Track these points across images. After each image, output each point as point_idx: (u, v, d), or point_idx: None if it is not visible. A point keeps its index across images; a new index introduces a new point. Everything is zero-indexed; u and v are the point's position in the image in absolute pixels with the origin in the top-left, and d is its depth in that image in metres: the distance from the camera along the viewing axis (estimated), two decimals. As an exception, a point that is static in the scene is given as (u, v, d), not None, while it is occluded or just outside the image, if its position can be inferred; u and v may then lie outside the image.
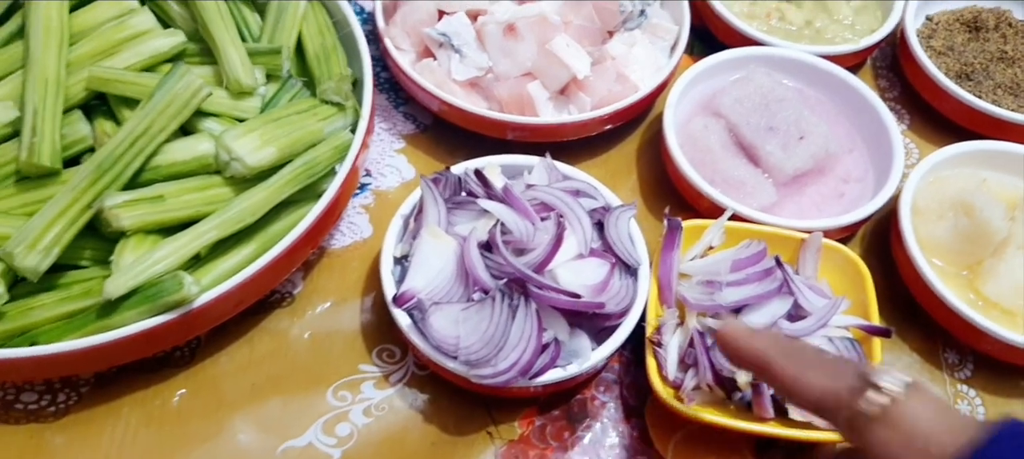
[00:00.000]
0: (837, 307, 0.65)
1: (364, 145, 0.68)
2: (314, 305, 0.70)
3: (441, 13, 0.78)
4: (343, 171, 0.66)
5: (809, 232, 0.70)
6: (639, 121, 0.83)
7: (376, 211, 0.76)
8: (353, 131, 0.69)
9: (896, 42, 0.91)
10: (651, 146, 0.82)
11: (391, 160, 0.80)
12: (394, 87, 0.84)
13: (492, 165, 0.70)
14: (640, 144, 0.83)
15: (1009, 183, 0.77)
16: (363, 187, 0.77)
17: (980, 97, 0.84)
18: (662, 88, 0.79)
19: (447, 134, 0.80)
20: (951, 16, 0.92)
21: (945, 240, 0.72)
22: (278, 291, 0.70)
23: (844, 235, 0.75)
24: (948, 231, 0.72)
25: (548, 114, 0.77)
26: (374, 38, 0.80)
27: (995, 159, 0.77)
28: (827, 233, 0.71)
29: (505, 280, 0.62)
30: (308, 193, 0.68)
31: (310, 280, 0.71)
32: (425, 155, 0.80)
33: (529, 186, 0.68)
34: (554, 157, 0.71)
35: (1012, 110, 0.83)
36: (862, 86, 0.80)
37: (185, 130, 0.66)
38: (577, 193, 0.70)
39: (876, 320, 0.66)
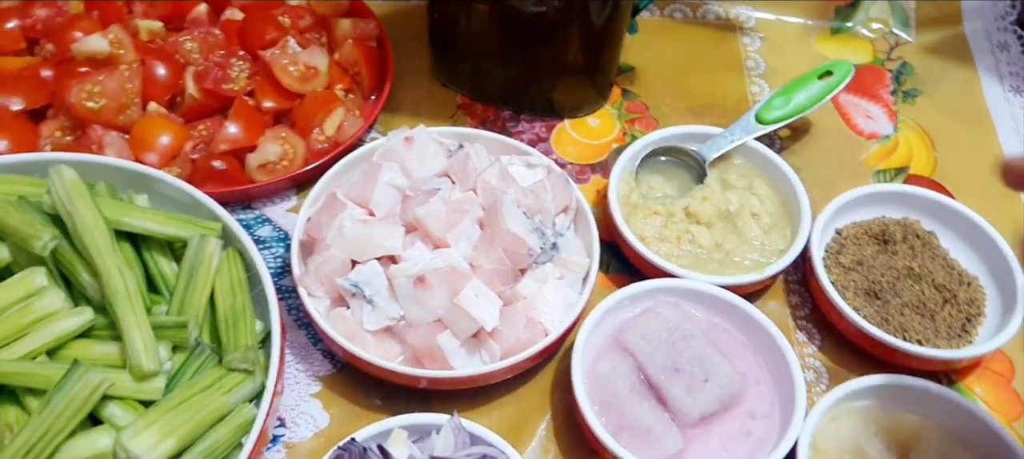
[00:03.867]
0: None
1: (265, 426, 0.69)
2: None
3: (354, 262, 0.80)
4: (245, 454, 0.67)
5: (709, 494, 0.71)
6: (552, 356, 0.85)
7: (287, 468, 0.77)
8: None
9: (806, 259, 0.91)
10: (565, 380, 0.83)
11: (306, 406, 0.80)
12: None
13: (399, 432, 0.71)
14: (554, 376, 0.84)
15: (905, 421, 0.78)
16: (275, 440, 0.78)
17: (887, 319, 0.86)
18: (573, 327, 0.81)
19: (363, 375, 0.81)
20: (859, 229, 0.94)
21: (848, 489, 0.73)
22: None
23: (752, 484, 0.76)
24: (849, 479, 0.73)
25: (460, 361, 0.78)
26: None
27: (889, 394, 0.78)
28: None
29: None
30: (213, 463, 0.69)
31: (214, 551, 0.71)
32: (341, 399, 0.81)
33: (433, 459, 0.69)
34: (467, 396, 0.72)
35: (918, 331, 0.85)
36: (762, 318, 0.82)
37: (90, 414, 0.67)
38: None
39: None
